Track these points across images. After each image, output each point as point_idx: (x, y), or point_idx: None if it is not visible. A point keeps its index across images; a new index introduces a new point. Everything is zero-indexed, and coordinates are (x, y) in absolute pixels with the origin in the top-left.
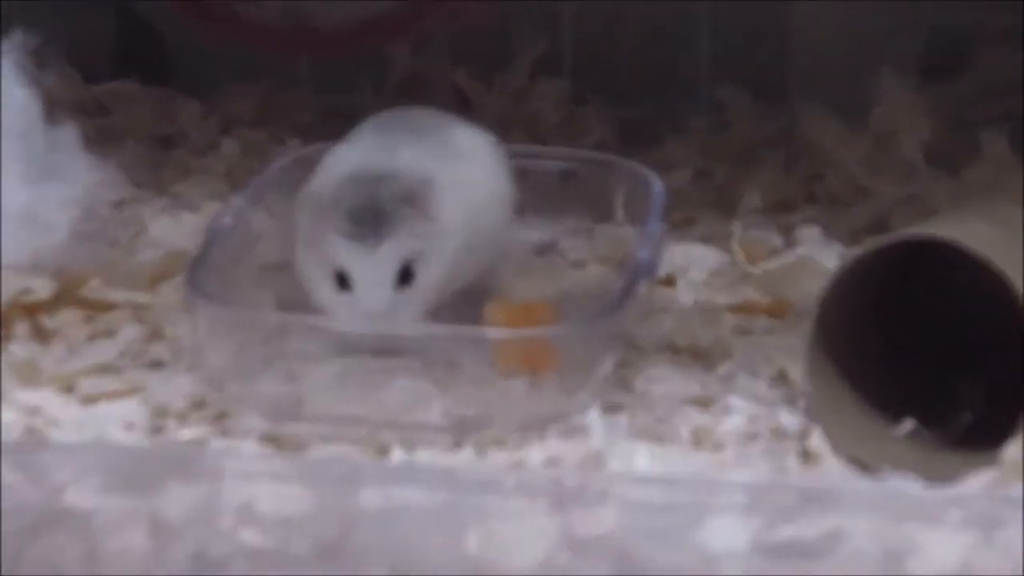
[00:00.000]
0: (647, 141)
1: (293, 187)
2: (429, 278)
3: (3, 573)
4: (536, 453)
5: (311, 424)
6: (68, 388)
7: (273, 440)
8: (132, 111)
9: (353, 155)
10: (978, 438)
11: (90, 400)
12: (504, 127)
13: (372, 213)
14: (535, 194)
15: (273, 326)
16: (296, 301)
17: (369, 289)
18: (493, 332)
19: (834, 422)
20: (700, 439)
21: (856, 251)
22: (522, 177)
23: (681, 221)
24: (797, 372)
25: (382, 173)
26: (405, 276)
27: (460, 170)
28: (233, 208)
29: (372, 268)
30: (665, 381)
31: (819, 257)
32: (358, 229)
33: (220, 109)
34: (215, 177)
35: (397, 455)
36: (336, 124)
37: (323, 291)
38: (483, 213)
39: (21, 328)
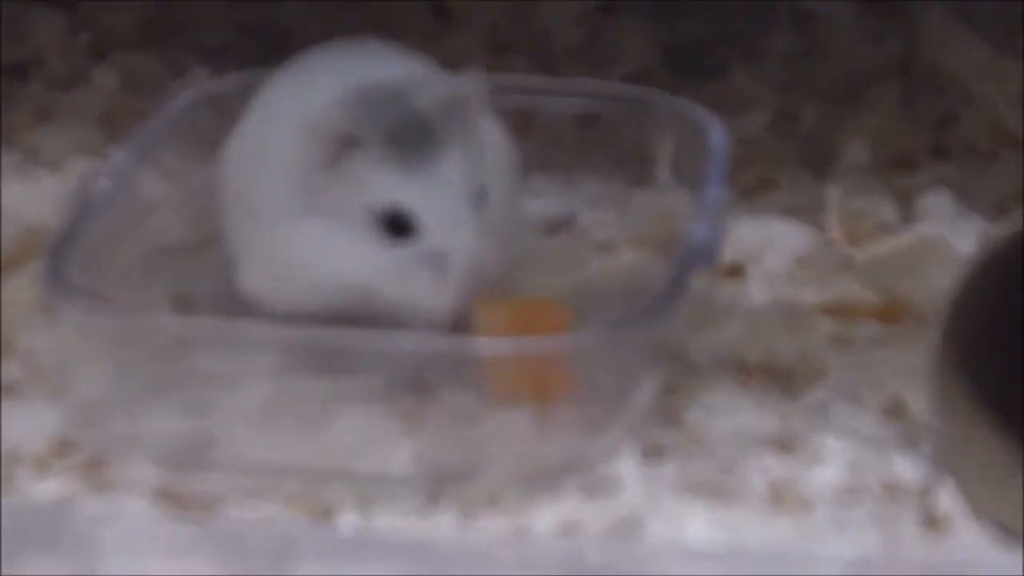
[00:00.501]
0: (705, 70)
1: (199, 137)
2: (498, 216)
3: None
4: (545, 516)
5: (225, 474)
6: None
7: (171, 497)
8: None
9: (317, 85)
10: None
11: None
12: (499, 52)
13: (423, 127)
14: (545, 147)
15: (172, 334)
16: (205, 298)
17: (450, 226)
18: (484, 343)
19: (971, 472)
20: (780, 496)
21: (1002, 229)
22: (526, 123)
23: (753, 185)
24: (919, 400)
25: (401, 84)
26: (480, 200)
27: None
28: (112, 167)
29: (448, 195)
30: (730, 413)
31: (950, 237)
32: (412, 150)
33: (92, 25)
34: (85, 122)
35: (347, 519)
36: (254, 46)
37: (352, 254)
38: (500, 175)
39: None
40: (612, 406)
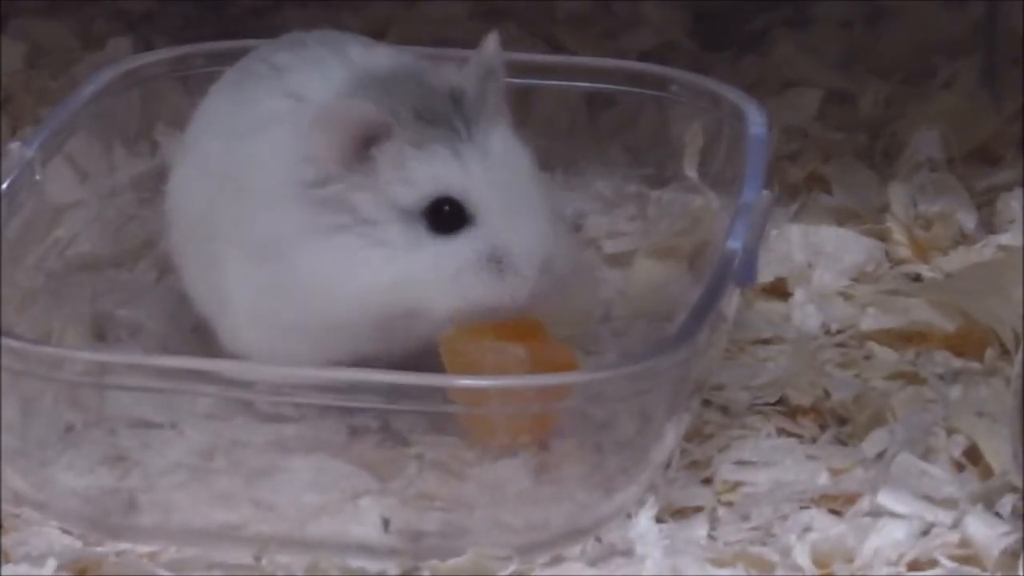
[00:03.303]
0: (742, 43)
1: (120, 124)
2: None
3: None
4: None
5: (150, 542)
6: None
7: (85, 570)
8: None
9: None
10: None
11: None
12: (489, 21)
13: (459, 102)
14: (546, 138)
15: (87, 371)
16: (130, 326)
17: (513, 213)
18: (466, 380)
19: None
20: (829, 566)
21: None
22: (523, 109)
23: (801, 184)
24: (1000, 451)
25: (403, 67)
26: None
27: None
28: (13, 162)
29: (505, 176)
30: (770, 466)
31: None
32: (452, 129)
33: None
34: None
35: None
36: (187, 12)
37: (395, 263)
38: None
39: None
40: (628, 457)
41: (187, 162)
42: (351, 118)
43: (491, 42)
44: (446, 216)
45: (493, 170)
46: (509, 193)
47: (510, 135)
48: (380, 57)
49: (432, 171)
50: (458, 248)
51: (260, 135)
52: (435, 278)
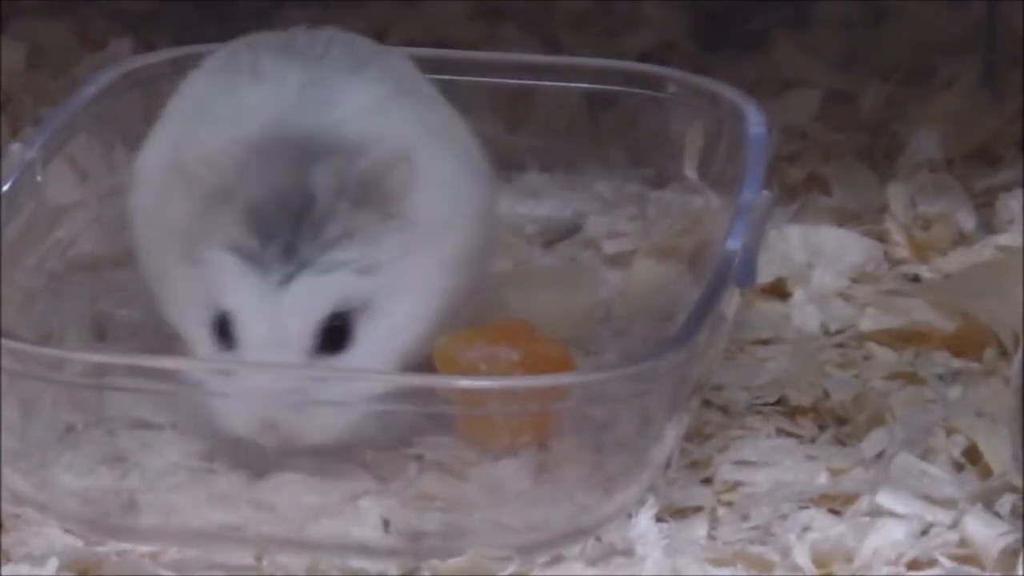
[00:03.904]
0: (742, 43)
1: (121, 125)
2: (383, 342)
3: None
4: None
5: (150, 542)
6: None
7: (86, 570)
8: None
9: (258, 93)
10: None
11: None
12: (488, 21)
13: (291, 213)
14: (545, 138)
15: (87, 372)
16: (129, 327)
17: (264, 357)
18: (466, 382)
19: None
20: (829, 566)
21: None
22: (521, 110)
23: (802, 184)
24: (1000, 451)
25: (316, 135)
26: (336, 338)
27: (437, 131)
28: (14, 163)
29: (275, 319)
30: (770, 466)
31: None
32: (261, 245)
33: None
34: None
35: None
36: (188, 12)
37: (194, 339)
38: (473, 205)
39: None
40: (627, 457)
41: (147, 145)
42: (198, 177)
43: (372, 160)
44: (221, 328)
45: (271, 312)
46: (269, 341)
47: (325, 278)
48: (306, 103)
49: (226, 284)
50: (223, 360)
51: (193, 138)
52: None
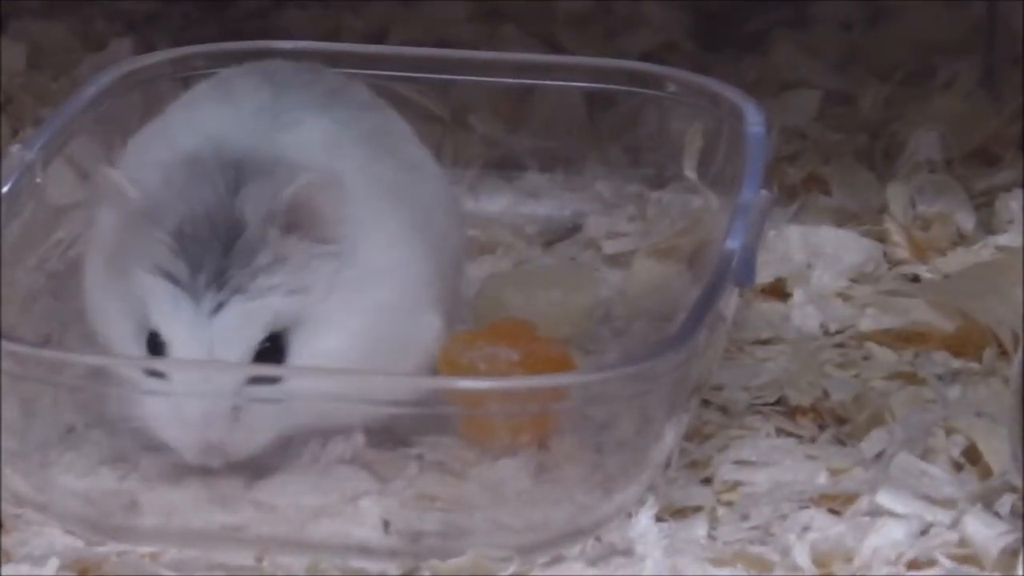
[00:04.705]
0: (741, 43)
1: (121, 126)
2: (318, 359)
3: None
4: None
5: (151, 543)
6: None
7: (87, 570)
8: None
9: (208, 116)
10: None
11: None
12: (488, 22)
13: (220, 238)
14: (544, 138)
15: (87, 373)
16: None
17: (197, 381)
18: (464, 382)
19: None
20: (829, 566)
21: None
22: (521, 109)
23: (801, 185)
24: (999, 451)
25: (252, 158)
26: (270, 358)
27: (390, 159)
28: (14, 164)
29: (208, 348)
30: (769, 466)
31: None
32: (191, 272)
33: None
34: None
35: None
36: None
37: (126, 352)
38: (417, 258)
39: None
40: (627, 457)
41: (127, 153)
42: (124, 194)
43: (297, 185)
44: (152, 347)
45: (199, 335)
46: (198, 367)
47: (255, 301)
48: (252, 125)
49: (155, 305)
50: (152, 383)
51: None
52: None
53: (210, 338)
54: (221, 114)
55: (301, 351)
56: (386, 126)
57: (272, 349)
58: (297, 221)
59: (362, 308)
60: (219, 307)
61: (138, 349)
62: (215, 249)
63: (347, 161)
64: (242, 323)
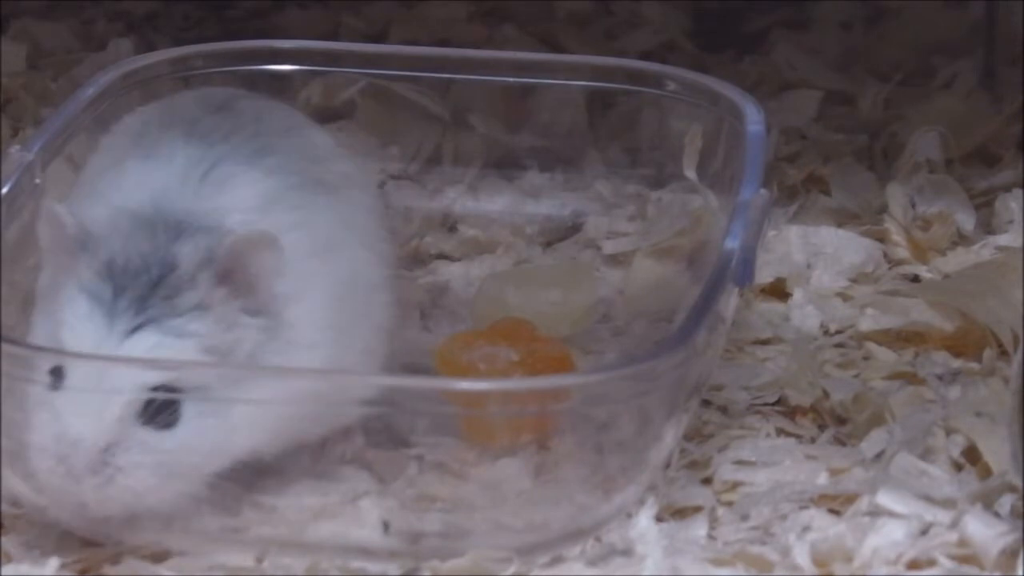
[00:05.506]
0: (741, 43)
1: (121, 125)
2: (208, 437)
3: None
4: None
5: (151, 544)
6: None
7: (87, 570)
8: None
9: (140, 177)
10: None
11: None
12: (489, 21)
13: (149, 272)
14: (544, 137)
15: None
16: None
17: (76, 413)
18: (464, 383)
19: None
20: (829, 566)
21: None
22: (521, 109)
23: (801, 185)
24: (999, 451)
25: (190, 217)
26: (160, 412)
27: (324, 210)
28: (13, 165)
29: (98, 370)
30: (769, 466)
31: None
32: (114, 294)
33: None
34: None
35: None
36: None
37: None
38: (356, 292)
39: None
40: (627, 457)
41: (85, 170)
42: (62, 224)
43: (239, 238)
44: (55, 372)
45: (98, 374)
46: (85, 398)
47: (163, 340)
48: (198, 192)
49: (66, 321)
50: (48, 398)
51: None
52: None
53: (101, 366)
54: (152, 174)
55: (196, 423)
56: (315, 161)
57: (161, 406)
58: (230, 275)
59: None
60: (133, 331)
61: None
62: (142, 280)
63: (282, 216)
64: (152, 353)
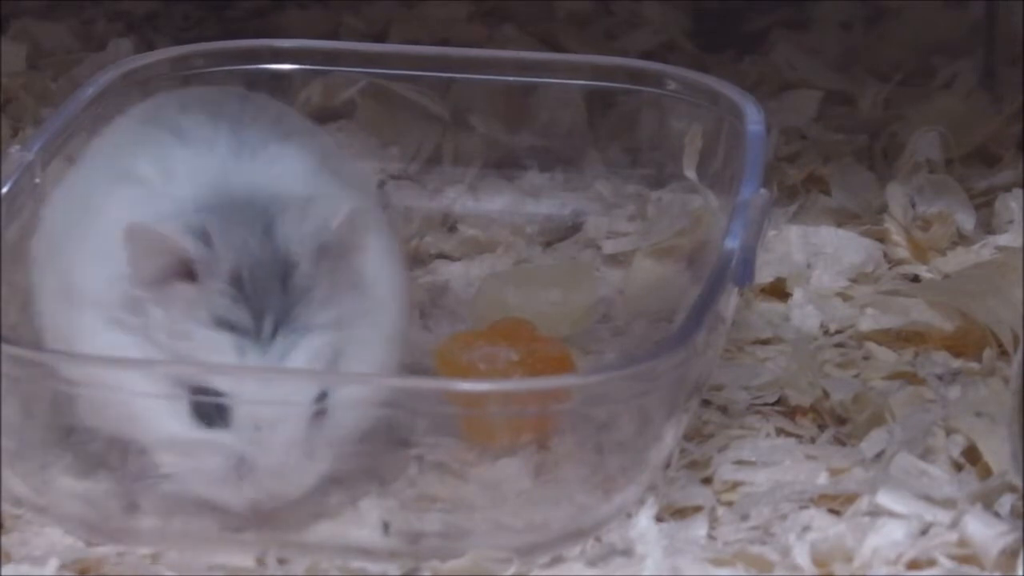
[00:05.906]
0: (741, 43)
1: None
2: (349, 415)
3: None
4: None
5: (151, 545)
6: None
7: (87, 571)
8: None
9: (181, 162)
10: None
11: None
12: (489, 21)
13: (276, 278)
14: (544, 137)
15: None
16: None
17: (270, 438)
18: (465, 383)
19: None
20: (829, 565)
21: None
22: (521, 108)
23: (801, 185)
24: (999, 451)
25: (259, 197)
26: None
27: (345, 178)
28: (13, 165)
29: (273, 392)
30: (769, 466)
31: None
32: (255, 320)
33: None
34: None
35: None
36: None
37: (144, 409)
38: (403, 282)
39: None
40: (627, 457)
41: (62, 185)
42: (160, 246)
43: (343, 217)
44: (202, 412)
45: (267, 383)
46: (269, 416)
47: (314, 344)
48: (255, 170)
49: (202, 356)
50: (204, 438)
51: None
52: (178, 450)
53: (280, 387)
54: (195, 158)
55: (340, 412)
56: (320, 139)
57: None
58: (341, 253)
59: (378, 339)
60: (288, 351)
61: (176, 418)
62: (274, 291)
63: (328, 188)
64: (312, 363)
